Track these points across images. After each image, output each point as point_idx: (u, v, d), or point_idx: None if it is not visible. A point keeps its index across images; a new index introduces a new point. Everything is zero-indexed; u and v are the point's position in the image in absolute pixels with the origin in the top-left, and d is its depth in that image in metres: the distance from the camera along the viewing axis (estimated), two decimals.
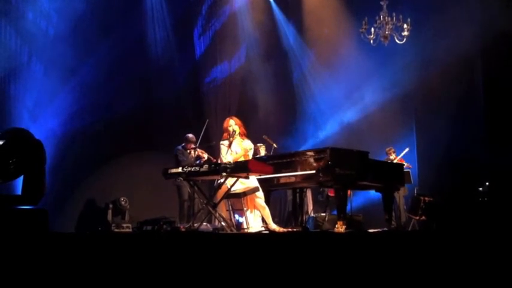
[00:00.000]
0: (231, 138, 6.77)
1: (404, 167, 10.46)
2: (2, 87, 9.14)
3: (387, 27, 9.99)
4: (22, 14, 9.40)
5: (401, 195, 10.29)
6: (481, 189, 10.03)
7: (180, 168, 6.39)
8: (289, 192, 8.98)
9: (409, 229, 9.95)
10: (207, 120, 8.38)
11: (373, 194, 7.99)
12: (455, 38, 10.80)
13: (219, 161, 6.97)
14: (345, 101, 12.47)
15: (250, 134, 7.29)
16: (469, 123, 11.22)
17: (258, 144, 9.35)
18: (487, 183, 10.05)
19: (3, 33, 9.16)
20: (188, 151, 8.75)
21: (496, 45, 10.63)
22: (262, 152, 9.50)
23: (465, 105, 11.30)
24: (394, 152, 10.75)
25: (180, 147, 9.00)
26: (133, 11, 10.70)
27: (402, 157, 10.78)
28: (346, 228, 6.34)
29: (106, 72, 10.02)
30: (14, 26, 9.29)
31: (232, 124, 6.86)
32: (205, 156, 8.46)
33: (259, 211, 6.69)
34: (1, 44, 9.08)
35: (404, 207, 10.47)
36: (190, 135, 8.95)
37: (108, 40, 10.10)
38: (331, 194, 9.74)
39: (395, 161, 10.37)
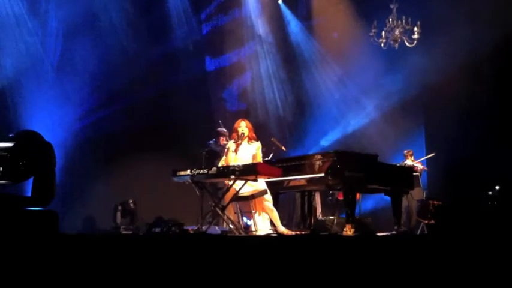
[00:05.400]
0: (239, 141, 6.77)
1: (421, 169, 10.56)
2: (12, 88, 9.24)
3: (397, 30, 9.97)
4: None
5: (414, 199, 10.27)
6: (490, 193, 9.98)
7: (189, 170, 6.40)
8: (298, 195, 8.97)
9: (418, 233, 9.92)
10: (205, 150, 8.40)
11: (383, 197, 7.98)
12: (464, 42, 10.75)
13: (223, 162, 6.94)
14: (355, 104, 12.45)
15: (259, 136, 7.26)
16: (479, 126, 11.13)
17: None
18: (497, 187, 9.99)
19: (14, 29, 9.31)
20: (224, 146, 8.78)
21: (505, 49, 10.56)
22: None
23: (475, 109, 11.24)
24: (412, 155, 10.74)
25: (212, 141, 8.95)
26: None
27: (420, 161, 10.81)
28: (354, 232, 6.33)
29: (112, 73, 10.08)
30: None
31: (243, 126, 6.85)
32: None
33: (268, 214, 6.68)
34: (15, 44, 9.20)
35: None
36: (221, 128, 8.90)
37: (116, 38, 10.20)
38: (340, 197, 9.71)
39: (414, 164, 10.40)
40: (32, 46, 9.51)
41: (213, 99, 11.81)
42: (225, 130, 8.88)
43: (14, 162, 4.35)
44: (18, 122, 8.99)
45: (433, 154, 11.05)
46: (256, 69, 12.39)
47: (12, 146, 4.37)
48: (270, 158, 8.40)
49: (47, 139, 4.70)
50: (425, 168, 10.95)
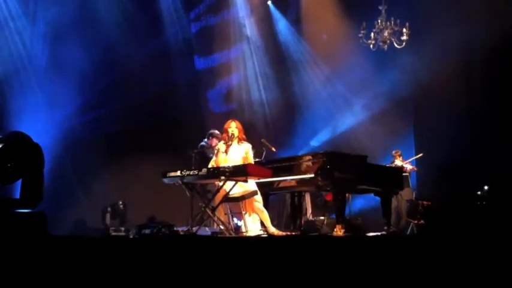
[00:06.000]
0: (229, 142, 6.75)
1: (410, 169, 10.62)
2: (2, 86, 9.19)
3: (386, 31, 10.01)
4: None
5: (403, 199, 10.32)
6: (479, 193, 10.04)
7: (179, 171, 6.38)
8: (288, 196, 8.97)
9: (408, 233, 9.96)
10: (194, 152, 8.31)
11: (372, 198, 8.01)
12: (454, 43, 10.80)
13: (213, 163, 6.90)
14: (344, 105, 12.47)
15: (248, 136, 7.24)
16: (468, 126, 11.19)
17: None
18: (485, 187, 10.04)
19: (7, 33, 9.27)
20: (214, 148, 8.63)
21: (498, 47, 10.59)
22: None
23: (464, 109, 11.29)
24: (400, 156, 10.77)
25: (204, 143, 8.84)
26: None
27: (409, 161, 10.87)
28: (344, 232, 6.35)
29: (101, 74, 10.04)
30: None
31: (233, 127, 6.82)
32: None
33: (258, 215, 6.68)
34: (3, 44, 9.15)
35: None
36: (215, 131, 8.76)
37: (106, 39, 10.16)
38: (328, 198, 9.70)
39: (403, 164, 10.46)
40: (19, 47, 9.46)
41: (201, 99, 11.79)
42: (217, 132, 8.79)
43: (2, 163, 4.33)
44: (6, 123, 8.93)
45: (421, 154, 11.11)
46: (245, 69, 12.39)
47: (0, 147, 4.34)
48: (261, 158, 8.39)
49: (35, 141, 4.68)
50: (415, 169, 11.01)
